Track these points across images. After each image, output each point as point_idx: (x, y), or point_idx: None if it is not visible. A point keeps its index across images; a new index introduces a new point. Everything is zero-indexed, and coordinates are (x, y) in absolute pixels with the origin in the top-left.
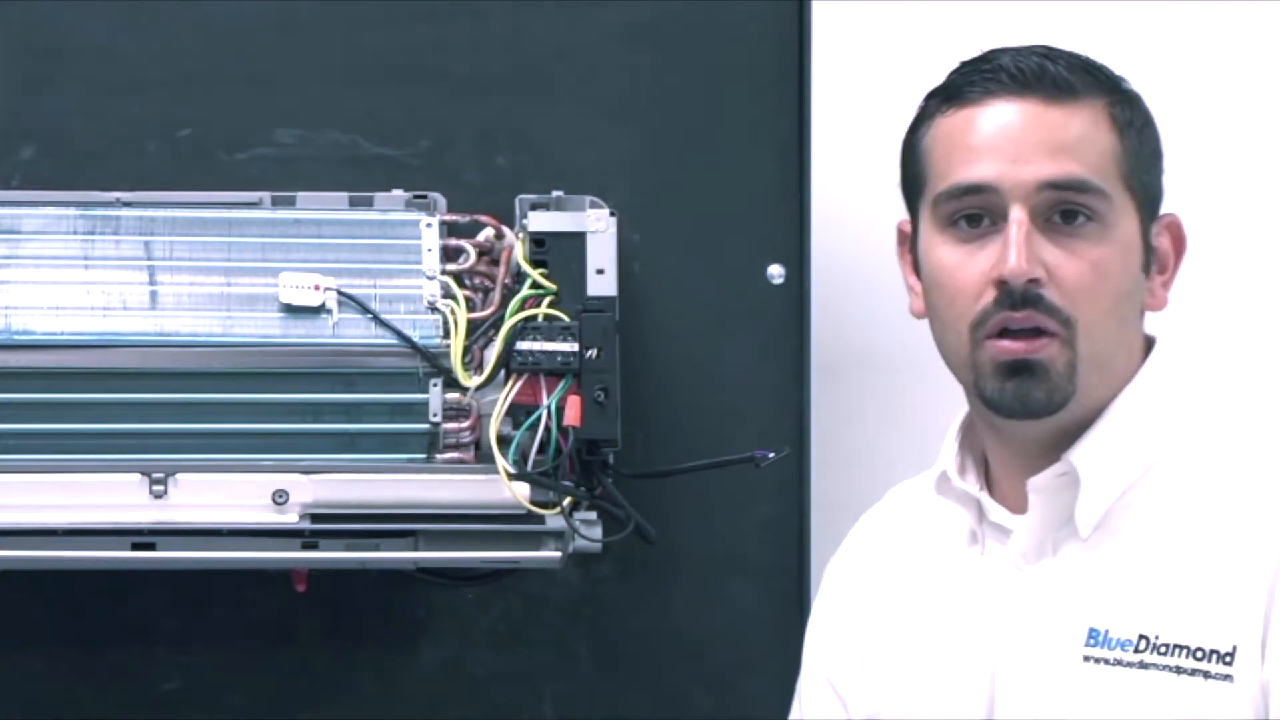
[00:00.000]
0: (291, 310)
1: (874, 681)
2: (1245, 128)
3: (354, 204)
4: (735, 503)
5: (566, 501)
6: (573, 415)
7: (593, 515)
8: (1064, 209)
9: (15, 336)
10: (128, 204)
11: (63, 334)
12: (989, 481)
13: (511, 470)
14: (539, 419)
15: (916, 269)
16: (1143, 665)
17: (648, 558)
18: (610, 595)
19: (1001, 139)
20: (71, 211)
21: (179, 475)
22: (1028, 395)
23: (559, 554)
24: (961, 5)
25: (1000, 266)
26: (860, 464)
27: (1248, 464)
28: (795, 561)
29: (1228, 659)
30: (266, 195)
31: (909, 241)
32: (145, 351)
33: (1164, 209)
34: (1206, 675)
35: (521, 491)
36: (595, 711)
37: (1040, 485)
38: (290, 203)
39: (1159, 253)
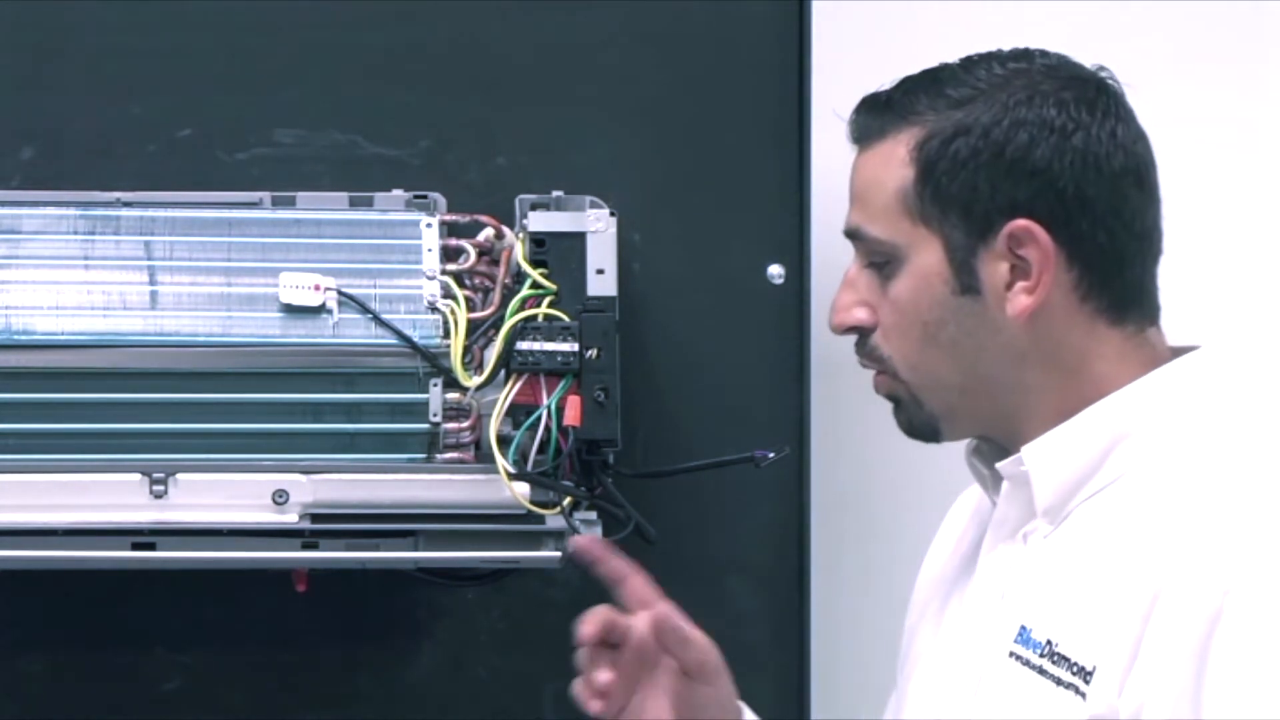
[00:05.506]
0: (291, 310)
1: (904, 652)
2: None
3: (354, 204)
4: (735, 503)
5: (566, 501)
6: (573, 415)
7: (593, 515)
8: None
9: (15, 336)
10: (128, 204)
11: (63, 334)
12: None
13: (511, 470)
14: (539, 419)
15: None
16: (1041, 671)
17: (648, 558)
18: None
19: None
20: (71, 211)
21: (179, 475)
22: (900, 423)
23: (559, 554)
24: (962, 5)
25: None
26: (860, 464)
27: (1190, 488)
28: (795, 561)
29: (1087, 677)
30: (266, 195)
31: None
32: (145, 351)
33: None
34: (1075, 690)
35: (521, 491)
36: None
37: (1007, 471)
38: (290, 203)
39: (1020, 262)
